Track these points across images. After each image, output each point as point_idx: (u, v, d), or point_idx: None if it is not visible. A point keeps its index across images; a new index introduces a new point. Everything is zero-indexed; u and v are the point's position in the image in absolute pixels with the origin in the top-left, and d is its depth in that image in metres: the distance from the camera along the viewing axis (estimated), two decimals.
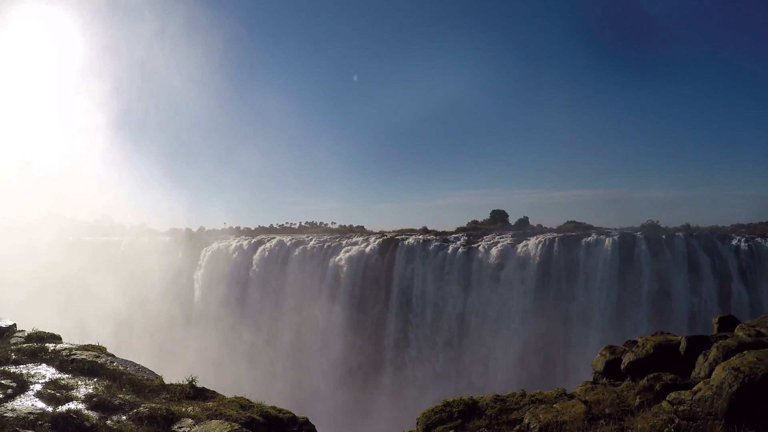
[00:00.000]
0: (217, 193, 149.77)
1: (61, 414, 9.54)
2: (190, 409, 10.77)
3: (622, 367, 12.18)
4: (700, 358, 11.07)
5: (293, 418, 11.99)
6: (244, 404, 11.77)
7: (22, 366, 11.75)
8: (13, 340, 13.59)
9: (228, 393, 12.53)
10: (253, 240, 73.57)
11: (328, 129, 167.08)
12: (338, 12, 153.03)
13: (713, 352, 10.79)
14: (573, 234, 58.20)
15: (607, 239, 54.97)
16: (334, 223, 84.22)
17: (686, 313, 51.24)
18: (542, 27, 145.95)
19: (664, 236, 54.62)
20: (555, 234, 58.63)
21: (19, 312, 17.55)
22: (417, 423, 12.07)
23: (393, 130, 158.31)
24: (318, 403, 59.53)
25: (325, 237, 70.32)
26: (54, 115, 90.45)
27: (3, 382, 10.56)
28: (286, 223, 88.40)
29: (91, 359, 12.45)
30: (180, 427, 9.91)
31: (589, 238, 55.99)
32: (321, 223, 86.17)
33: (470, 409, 11.82)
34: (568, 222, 65.10)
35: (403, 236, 64.36)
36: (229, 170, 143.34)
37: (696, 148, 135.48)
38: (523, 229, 66.17)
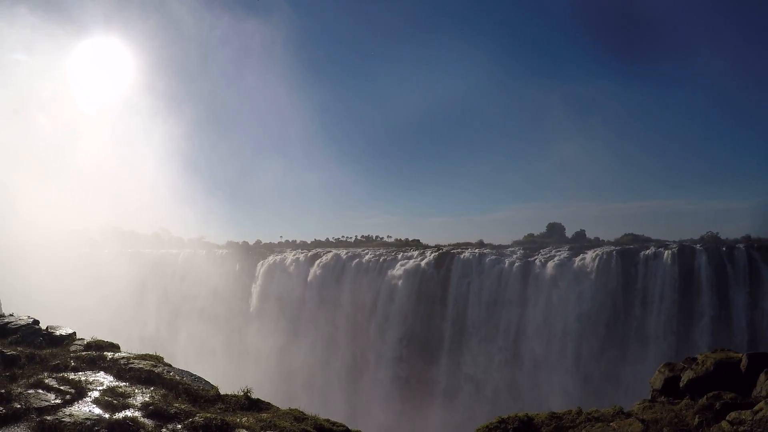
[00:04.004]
0: (273, 208, 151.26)
1: (117, 421, 9.68)
2: (244, 419, 10.81)
3: (681, 385, 11.84)
4: (762, 377, 10.73)
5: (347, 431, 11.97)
6: (298, 416, 11.77)
7: (80, 373, 11.98)
8: (72, 348, 13.88)
9: (282, 406, 12.55)
10: (310, 253, 73.97)
11: (382, 143, 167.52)
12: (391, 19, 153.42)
13: None
14: (631, 247, 57.19)
15: (666, 252, 53.90)
16: (390, 236, 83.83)
17: (747, 328, 49.88)
18: (597, 35, 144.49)
19: (724, 248, 53.24)
20: (613, 247, 57.70)
21: (79, 321, 17.90)
22: None
23: (447, 144, 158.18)
24: (371, 418, 59.49)
25: (380, 251, 70.34)
26: (114, 131, 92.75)
27: (62, 388, 10.78)
28: (342, 236, 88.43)
29: (148, 368, 12.61)
30: None
31: (648, 251, 54.96)
32: (376, 236, 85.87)
33: (525, 427, 11.63)
34: (625, 235, 63.81)
35: (459, 250, 64.01)
36: (285, 185, 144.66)
37: (755, 158, 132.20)
38: (580, 242, 65.17)
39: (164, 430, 9.92)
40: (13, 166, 73.13)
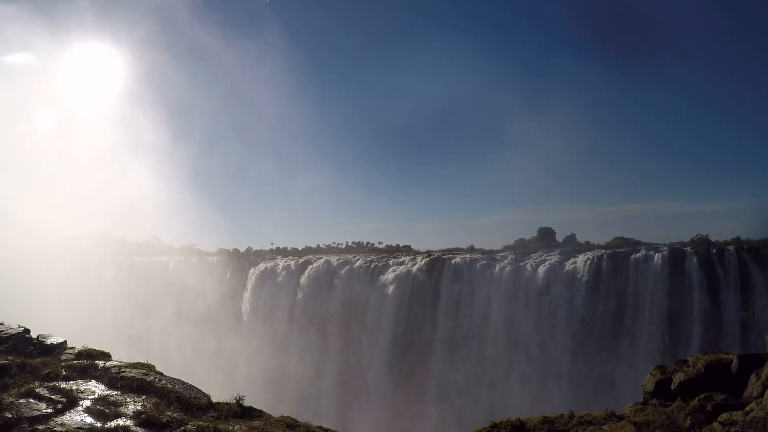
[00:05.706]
0: (263, 214, 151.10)
1: (109, 429, 9.67)
2: (237, 427, 10.80)
3: (673, 387, 11.87)
4: (753, 377, 10.79)
5: None
6: (290, 423, 11.74)
7: (72, 382, 11.92)
8: (63, 357, 13.82)
9: (274, 413, 12.54)
10: (300, 260, 73.95)
11: (373, 150, 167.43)
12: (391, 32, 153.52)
13: (766, 371, 10.52)
14: (621, 250, 57.33)
15: (657, 255, 54.07)
16: (381, 242, 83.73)
17: (738, 330, 50.07)
18: (586, 35, 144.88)
19: (714, 250, 53.46)
20: (603, 251, 57.85)
21: (69, 329, 17.85)
22: None
23: (437, 149, 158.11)
24: (363, 424, 59.47)
25: (371, 257, 70.35)
26: (105, 139, 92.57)
27: (53, 397, 10.74)
28: (333, 243, 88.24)
29: (139, 377, 12.57)
30: None
31: (638, 254, 55.14)
32: (367, 242, 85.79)
33: (518, 431, 11.66)
34: (616, 238, 63.90)
35: (450, 255, 64.08)
36: (276, 192, 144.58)
37: (745, 159, 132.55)
38: (571, 246, 65.25)
39: None
40: (5, 173, 73.01)
